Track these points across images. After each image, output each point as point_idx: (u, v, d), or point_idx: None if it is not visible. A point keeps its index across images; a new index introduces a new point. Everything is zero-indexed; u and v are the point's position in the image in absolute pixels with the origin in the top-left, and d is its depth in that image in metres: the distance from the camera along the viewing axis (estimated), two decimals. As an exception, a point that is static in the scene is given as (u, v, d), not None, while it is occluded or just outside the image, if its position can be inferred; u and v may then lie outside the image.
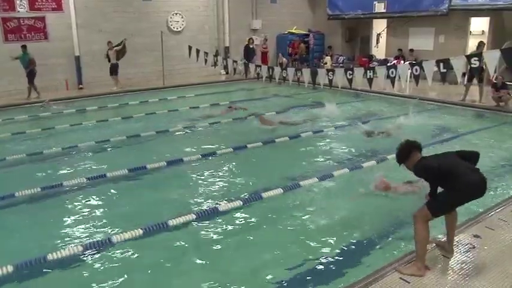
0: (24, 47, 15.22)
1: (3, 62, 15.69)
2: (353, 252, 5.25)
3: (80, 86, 17.66)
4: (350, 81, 13.26)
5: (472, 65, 10.75)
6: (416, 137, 5.21)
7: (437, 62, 11.22)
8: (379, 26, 21.44)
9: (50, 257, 4.97)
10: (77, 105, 14.95)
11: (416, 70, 11.85)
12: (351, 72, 13.33)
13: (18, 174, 8.28)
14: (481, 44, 13.86)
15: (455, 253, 4.74)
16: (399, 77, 12.59)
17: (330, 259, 5.08)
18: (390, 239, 5.53)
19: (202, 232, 5.80)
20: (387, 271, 4.46)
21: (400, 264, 4.55)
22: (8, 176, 8.20)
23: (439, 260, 4.64)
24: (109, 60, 16.97)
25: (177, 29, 19.88)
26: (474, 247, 4.90)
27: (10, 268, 4.74)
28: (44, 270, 4.96)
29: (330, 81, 14.07)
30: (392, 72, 12.34)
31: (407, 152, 4.62)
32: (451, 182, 4.25)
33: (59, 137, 10.87)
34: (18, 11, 16.21)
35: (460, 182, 4.23)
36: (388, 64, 15.56)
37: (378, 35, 21.46)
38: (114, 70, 17.11)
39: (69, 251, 5.13)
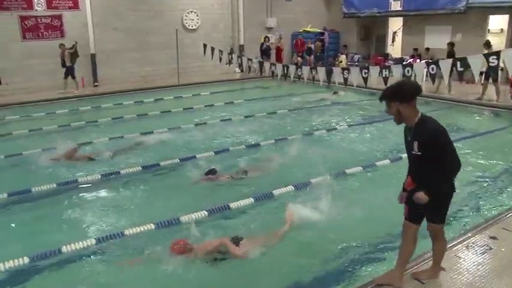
0: None
1: (21, 60, 15.94)
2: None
3: (95, 83, 17.81)
4: (365, 80, 13.16)
5: (491, 64, 10.58)
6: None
7: (454, 61, 11.07)
8: (395, 25, 21.24)
9: (64, 249, 5.13)
10: (92, 102, 15.11)
11: (432, 69, 11.71)
12: (366, 71, 13.22)
13: (33, 170, 8.36)
14: (487, 43, 13.65)
15: (471, 254, 4.67)
16: (415, 76, 12.46)
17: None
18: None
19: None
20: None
21: (413, 266, 4.48)
22: (23, 171, 8.30)
23: (455, 261, 4.57)
24: (64, 64, 16.09)
25: (192, 27, 19.93)
26: (491, 248, 4.82)
27: (26, 260, 4.92)
28: (59, 261, 5.05)
29: (345, 79, 13.97)
30: (408, 71, 12.20)
31: (412, 93, 3.77)
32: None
33: (74, 134, 10.98)
34: (36, 10, 16.42)
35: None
36: (404, 63, 15.39)
37: (394, 33, 21.27)
38: (70, 73, 16.23)
39: (82, 244, 5.25)
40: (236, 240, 5.10)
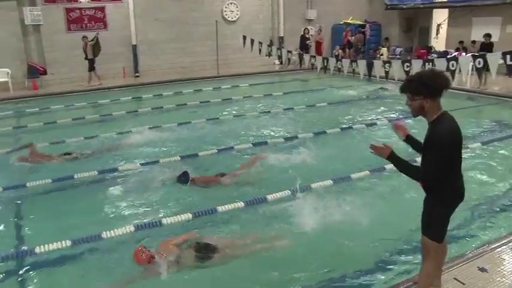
0: None
1: (66, 50, 16.35)
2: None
3: (136, 74, 18.13)
4: (407, 73, 12.83)
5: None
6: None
7: (504, 54, 10.63)
8: (440, 16, 20.59)
9: (104, 235, 5.22)
10: (133, 92, 15.41)
11: (479, 63, 11.31)
12: (408, 64, 12.91)
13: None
14: None
15: (516, 256, 4.48)
16: (460, 70, 12.06)
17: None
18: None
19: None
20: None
21: (454, 266, 4.33)
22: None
23: (499, 263, 4.38)
24: (86, 56, 16.12)
25: (232, 18, 19.96)
26: (537, 250, 4.61)
27: (68, 243, 5.05)
28: (99, 246, 5.16)
29: (386, 73, 13.69)
30: (452, 64, 11.84)
31: (441, 87, 3.29)
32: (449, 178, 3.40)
33: (114, 123, 11.22)
34: (80, 2, 16.86)
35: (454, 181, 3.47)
36: (448, 56, 14.92)
37: (438, 25, 20.64)
38: (90, 65, 16.22)
39: (122, 231, 5.34)
40: (202, 250, 4.75)
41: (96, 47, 16.22)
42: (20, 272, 4.78)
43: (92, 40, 16.12)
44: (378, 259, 4.81)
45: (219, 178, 7.02)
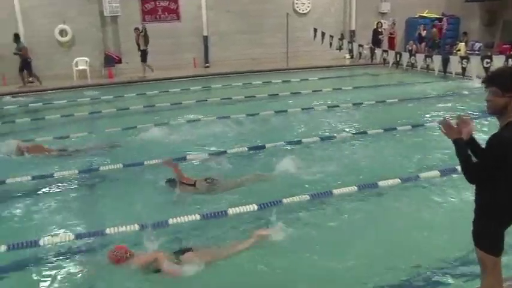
0: (16, 35, 15.36)
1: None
2: None
3: (207, 64, 18.45)
4: (487, 70, 12.13)
5: None
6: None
7: None
8: (528, 9, 19.22)
9: (170, 221, 5.35)
10: (203, 82, 15.69)
11: None
12: (488, 61, 12.20)
13: (147, 143, 8.81)
14: None
15: None
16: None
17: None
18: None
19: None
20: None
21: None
22: (138, 144, 8.82)
23: None
24: (139, 47, 16.53)
25: (303, 11, 19.77)
26: None
27: (137, 227, 5.23)
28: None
29: (464, 69, 13.01)
30: (540, 61, 11.05)
31: None
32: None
33: (184, 111, 11.49)
34: (156, -7, 17.39)
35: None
36: (535, 52, 13.91)
37: (526, 18, 19.27)
38: (142, 56, 16.66)
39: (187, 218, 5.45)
40: (178, 253, 4.57)
41: (145, 38, 16.54)
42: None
43: (142, 32, 16.48)
44: (437, 267, 4.52)
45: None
